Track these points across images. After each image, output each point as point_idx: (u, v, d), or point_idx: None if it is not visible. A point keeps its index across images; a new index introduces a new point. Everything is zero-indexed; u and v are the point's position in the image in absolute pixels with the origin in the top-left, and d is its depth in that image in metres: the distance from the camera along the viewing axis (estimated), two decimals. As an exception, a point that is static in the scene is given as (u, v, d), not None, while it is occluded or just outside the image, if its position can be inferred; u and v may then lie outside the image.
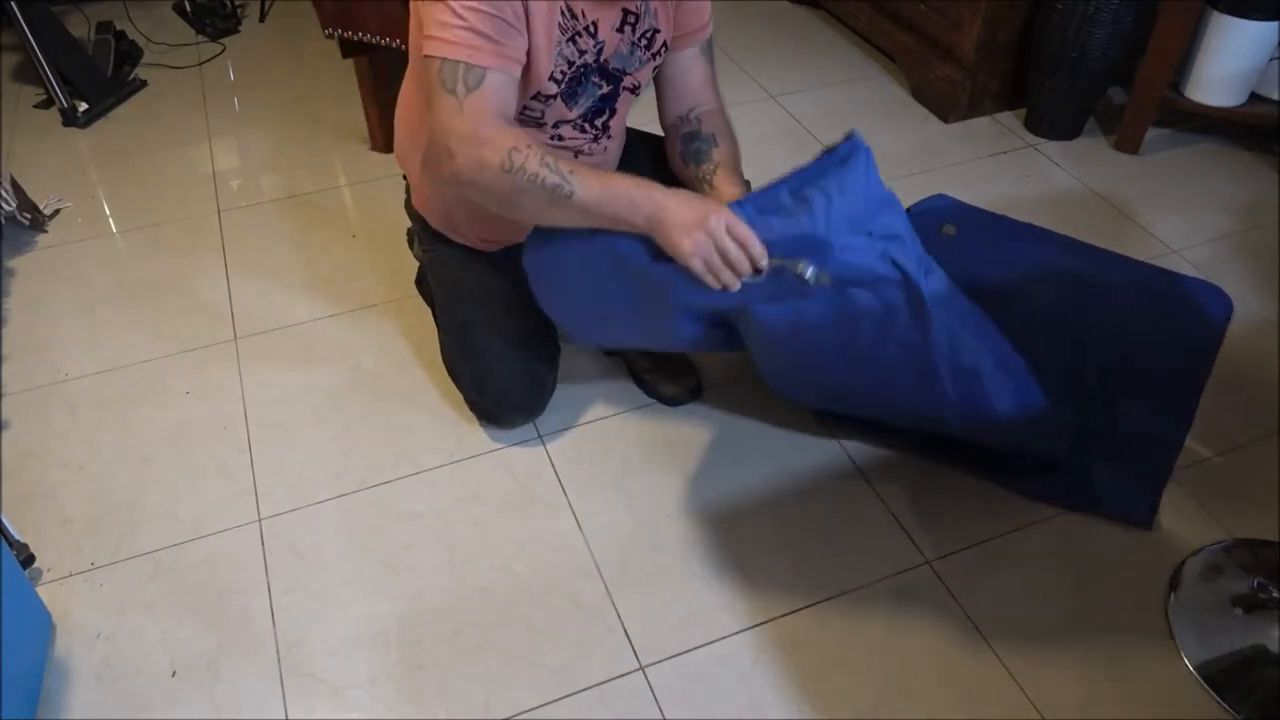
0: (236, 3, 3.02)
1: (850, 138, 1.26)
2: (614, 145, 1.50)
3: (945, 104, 2.44)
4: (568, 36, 1.27)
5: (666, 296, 1.32)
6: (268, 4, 3.04)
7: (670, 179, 1.50)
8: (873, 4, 2.67)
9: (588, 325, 1.50)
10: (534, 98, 1.31)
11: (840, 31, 2.87)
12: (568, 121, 1.38)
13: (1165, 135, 2.37)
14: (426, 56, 1.23)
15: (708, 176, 1.42)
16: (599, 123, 1.42)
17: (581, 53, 1.29)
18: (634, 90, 1.42)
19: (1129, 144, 2.31)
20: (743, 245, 1.19)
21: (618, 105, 1.42)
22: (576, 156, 1.43)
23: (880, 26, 2.65)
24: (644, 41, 1.36)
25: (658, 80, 1.47)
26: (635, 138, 1.61)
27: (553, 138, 1.39)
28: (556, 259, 1.35)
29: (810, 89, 2.60)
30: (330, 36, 2.07)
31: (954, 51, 2.40)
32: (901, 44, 2.57)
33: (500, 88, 1.22)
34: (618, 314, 1.42)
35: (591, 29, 1.29)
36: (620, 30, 1.32)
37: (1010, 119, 2.46)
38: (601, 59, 1.33)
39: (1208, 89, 2.18)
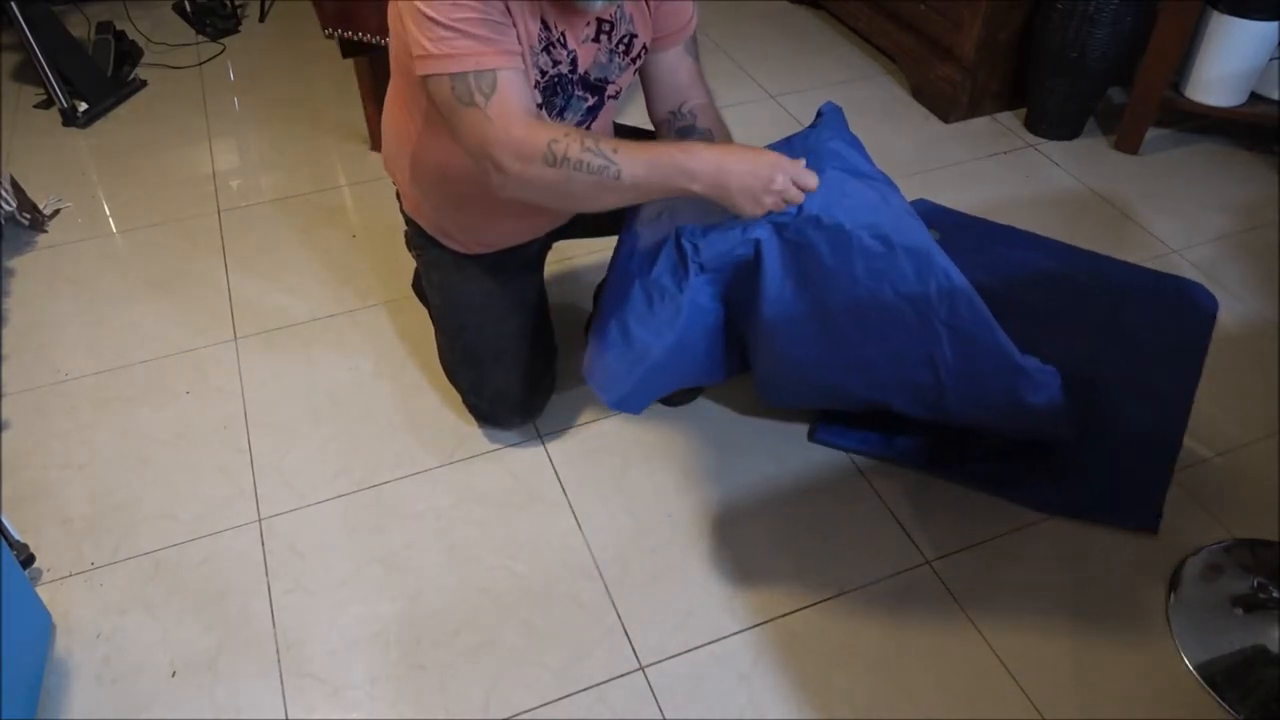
0: (236, 3, 3.02)
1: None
2: None
3: (945, 104, 2.44)
4: (542, 46, 1.27)
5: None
6: (268, 4, 3.04)
7: None
8: (873, 4, 2.67)
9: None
10: None
11: (840, 31, 2.87)
12: None
13: (1165, 135, 2.37)
14: (431, 78, 1.19)
15: None
16: (587, 126, 1.41)
17: (555, 63, 1.28)
18: (616, 96, 1.41)
19: (1129, 144, 2.31)
20: (801, 184, 1.21)
21: (601, 114, 1.42)
22: None
23: (880, 26, 2.65)
24: (622, 48, 1.35)
25: (644, 79, 1.47)
26: (627, 134, 1.61)
27: None
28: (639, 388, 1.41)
29: (810, 89, 2.60)
30: (330, 36, 2.07)
31: (954, 51, 2.40)
32: (901, 44, 2.57)
33: (515, 83, 1.20)
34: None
35: (562, 39, 1.28)
36: (596, 40, 1.31)
37: (1010, 119, 2.46)
38: (580, 72, 1.32)
39: (1208, 89, 2.18)
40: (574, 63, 1.30)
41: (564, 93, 1.32)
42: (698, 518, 1.51)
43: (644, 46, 1.38)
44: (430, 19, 1.17)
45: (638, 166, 1.18)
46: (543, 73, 1.28)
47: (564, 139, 1.17)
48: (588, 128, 1.42)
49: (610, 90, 1.38)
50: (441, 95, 1.20)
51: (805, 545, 1.47)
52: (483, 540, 1.49)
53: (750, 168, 1.18)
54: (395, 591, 1.42)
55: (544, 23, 1.26)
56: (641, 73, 1.45)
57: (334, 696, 1.30)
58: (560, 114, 1.34)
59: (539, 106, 1.32)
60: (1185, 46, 2.15)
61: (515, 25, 1.22)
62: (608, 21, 1.31)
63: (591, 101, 1.37)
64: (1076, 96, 2.29)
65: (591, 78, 1.34)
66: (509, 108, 1.18)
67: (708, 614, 1.38)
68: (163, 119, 2.54)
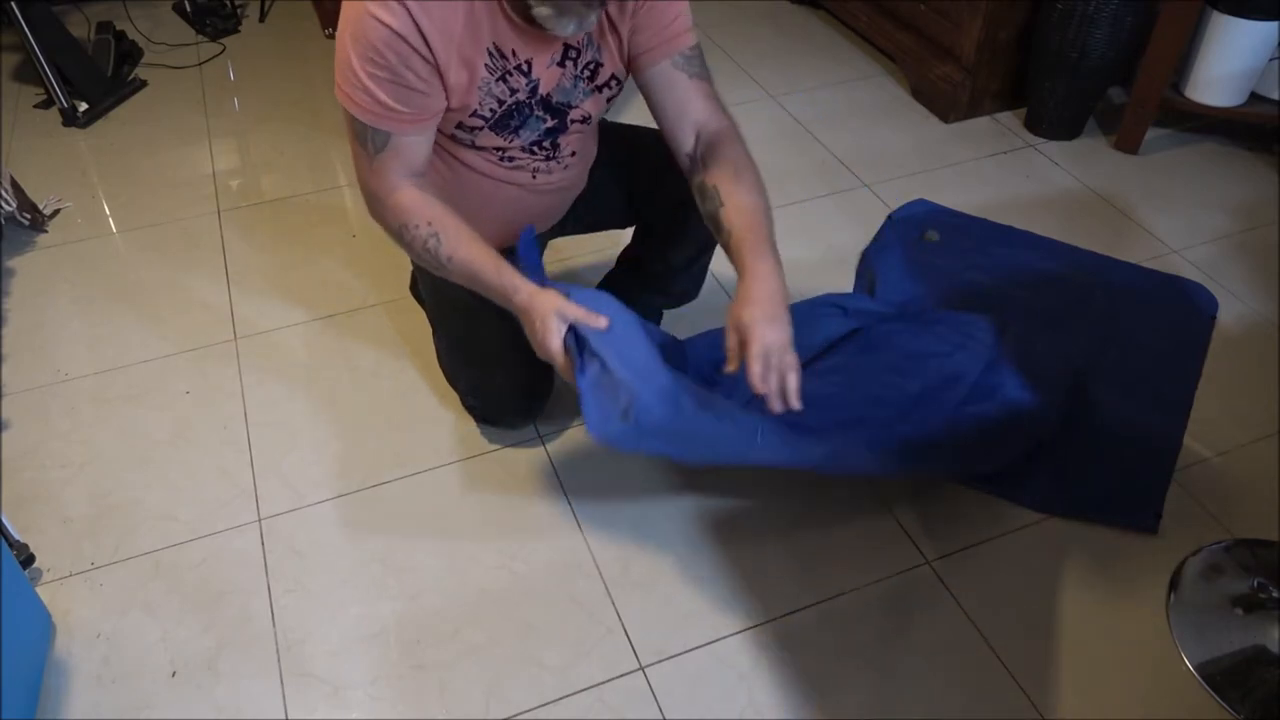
0: (236, 3, 3.02)
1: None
2: (576, 162, 1.45)
3: (945, 104, 2.44)
4: (497, 77, 1.25)
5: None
6: (268, 4, 3.04)
7: (666, 180, 1.44)
8: (873, 4, 2.67)
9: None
10: (459, 126, 1.30)
11: (840, 31, 2.87)
12: (514, 146, 1.36)
13: (1165, 135, 2.37)
14: (341, 101, 1.23)
15: (730, 252, 1.26)
16: (547, 144, 1.38)
17: (513, 91, 1.27)
18: (584, 121, 1.38)
19: (1129, 144, 2.31)
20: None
21: (567, 135, 1.39)
22: (534, 176, 1.41)
23: (880, 26, 2.65)
24: (586, 74, 1.32)
25: (652, 110, 1.36)
26: (629, 142, 1.58)
27: (502, 159, 1.36)
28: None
29: (810, 89, 2.60)
30: (330, 36, 2.08)
31: (954, 51, 2.40)
32: (901, 44, 2.57)
33: (407, 147, 1.25)
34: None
35: (525, 68, 1.26)
36: (561, 65, 1.29)
37: (1010, 119, 2.46)
38: (541, 94, 1.30)
39: (1208, 89, 2.18)
40: (534, 89, 1.28)
41: (519, 115, 1.30)
42: (698, 517, 1.51)
43: (613, 77, 1.34)
44: (349, 63, 1.18)
45: (463, 277, 1.28)
46: (499, 101, 1.27)
47: (412, 229, 1.27)
48: (553, 142, 1.39)
49: (574, 115, 1.35)
50: (344, 117, 1.25)
51: (805, 545, 1.47)
52: (483, 540, 1.49)
53: (527, 325, 1.25)
54: (395, 591, 1.42)
55: (499, 52, 1.23)
56: (649, 105, 1.36)
57: (334, 696, 1.30)
58: (516, 132, 1.32)
59: (487, 127, 1.30)
60: (1185, 46, 2.15)
61: (446, 82, 1.21)
62: (574, 47, 1.29)
63: (551, 123, 1.34)
64: (1076, 96, 2.29)
65: (553, 101, 1.32)
66: (391, 166, 1.25)
67: (708, 614, 1.38)
68: (163, 119, 2.54)
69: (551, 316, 1.20)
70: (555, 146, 1.39)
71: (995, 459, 1.51)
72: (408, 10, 1.14)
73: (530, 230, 1.34)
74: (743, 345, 1.19)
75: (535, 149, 1.37)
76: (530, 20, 1.19)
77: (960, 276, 1.92)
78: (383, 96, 1.19)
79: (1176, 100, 2.23)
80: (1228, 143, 2.34)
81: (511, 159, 1.37)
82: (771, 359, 1.18)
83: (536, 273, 1.29)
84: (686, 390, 1.26)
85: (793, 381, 1.19)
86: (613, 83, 1.35)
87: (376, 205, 1.30)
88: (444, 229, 1.26)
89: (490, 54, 1.23)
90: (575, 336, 1.22)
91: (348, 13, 1.17)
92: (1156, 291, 1.89)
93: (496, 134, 1.31)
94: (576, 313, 1.21)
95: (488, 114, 1.28)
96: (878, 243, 2.03)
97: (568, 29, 1.18)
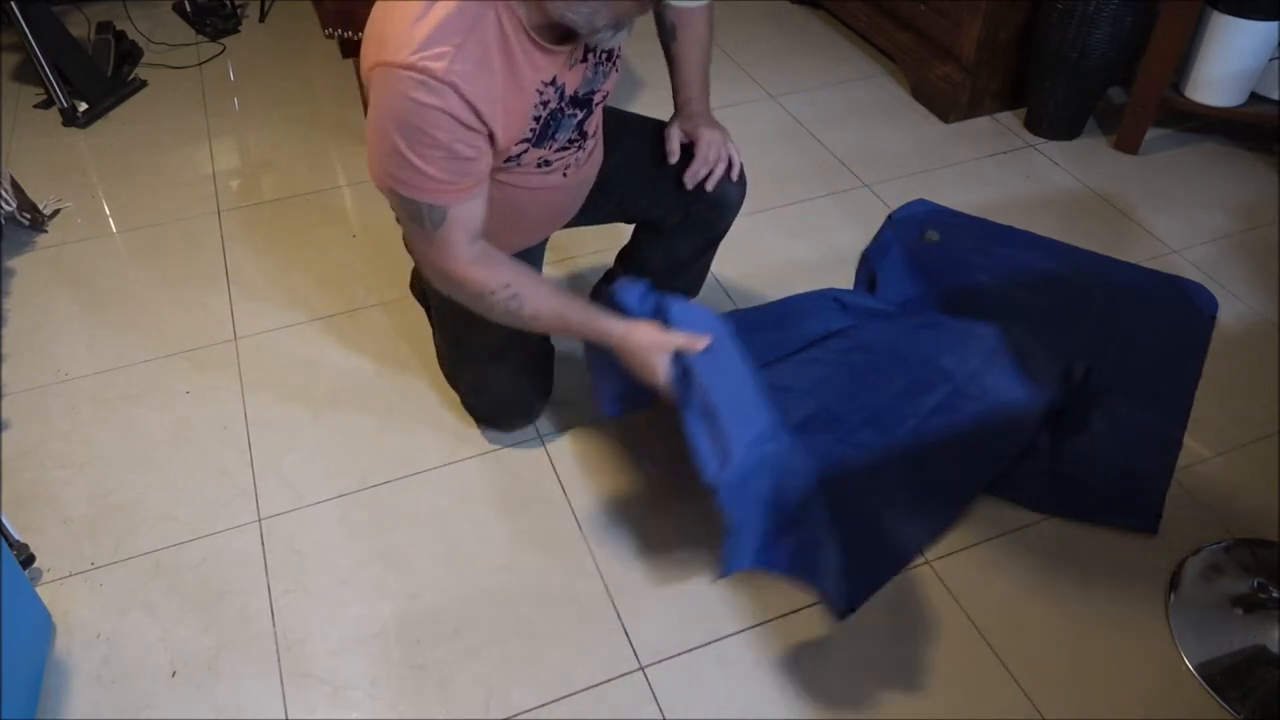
0: (236, 3, 3.02)
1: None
2: (596, 143, 1.47)
3: (945, 104, 2.44)
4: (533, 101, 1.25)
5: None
6: (268, 4, 3.04)
7: (673, 171, 1.49)
8: (873, 4, 2.67)
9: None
10: (506, 159, 1.29)
11: (840, 31, 2.87)
12: (552, 150, 1.36)
13: (1165, 135, 2.37)
14: (387, 186, 1.21)
15: (671, 75, 1.52)
16: (576, 135, 1.39)
17: (545, 103, 1.27)
18: (604, 98, 1.39)
19: (1129, 144, 2.31)
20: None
21: (591, 117, 1.39)
22: (565, 175, 1.41)
23: (880, 26, 2.65)
24: (605, 56, 1.33)
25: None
26: (636, 133, 1.59)
27: (540, 165, 1.36)
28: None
29: (810, 89, 2.60)
30: (330, 36, 2.07)
31: (954, 51, 2.40)
32: (901, 44, 2.57)
33: (466, 214, 1.23)
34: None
35: (550, 78, 1.25)
36: (584, 60, 1.29)
37: (1010, 119, 2.46)
38: (569, 95, 1.30)
39: (1208, 89, 2.18)
40: (561, 93, 1.28)
41: (554, 121, 1.30)
42: (698, 517, 1.51)
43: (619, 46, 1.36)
44: (394, 148, 1.14)
45: (553, 328, 1.34)
46: (536, 119, 1.27)
47: (490, 296, 1.27)
48: (581, 132, 1.39)
49: (597, 98, 1.37)
50: (391, 202, 1.23)
51: (805, 545, 1.47)
52: (482, 540, 1.49)
53: (637, 365, 1.30)
54: (395, 591, 1.42)
55: (543, 84, 1.23)
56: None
57: (334, 696, 1.30)
58: (553, 137, 1.32)
59: (535, 145, 1.30)
60: (1185, 46, 2.15)
61: (495, 137, 1.20)
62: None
63: (580, 115, 1.35)
64: (1076, 96, 2.29)
65: (580, 94, 1.32)
66: (454, 238, 1.23)
67: (708, 614, 1.38)
68: (163, 119, 2.54)
69: (654, 353, 1.28)
70: (583, 135, 1.40)
71: (994, 458, 1.51)
72: (452, 87, 1.10)
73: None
74: (690, 144, 1.51)
75: (569, 144, 1.38)
76: (560, 40, 1.19)
77: (960, 276, 1.92)
78: (435, 173, 1.16)
79: (1176, 100, 2.23)
80: (1228, 143, 2.34)
81: (548, 163, 1.36)
82: (712, 151, 1.50)
83: (629, 295, 1.33)
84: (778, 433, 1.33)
85: (737, 163, 1.52)
86: (619, 49, 1.36)
87: (444, 280, 1.28)
88: (521, 289, 1.28)
89: (539, 91, 1.22)
90: (679, 365, 1.27)
91: (383, 96, 1.13)
92: (1156, 291, 1.89)
93: (539, 147, 1.31)
94: (676, 340, 1.28)
95: (529, 134, 1.27)
96: (878, 243, 2.03)
97: (621, 38, 1.19)
